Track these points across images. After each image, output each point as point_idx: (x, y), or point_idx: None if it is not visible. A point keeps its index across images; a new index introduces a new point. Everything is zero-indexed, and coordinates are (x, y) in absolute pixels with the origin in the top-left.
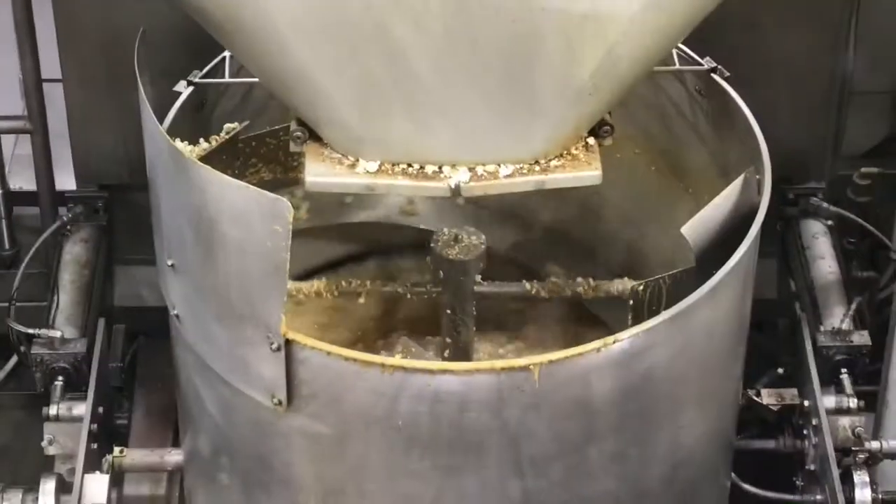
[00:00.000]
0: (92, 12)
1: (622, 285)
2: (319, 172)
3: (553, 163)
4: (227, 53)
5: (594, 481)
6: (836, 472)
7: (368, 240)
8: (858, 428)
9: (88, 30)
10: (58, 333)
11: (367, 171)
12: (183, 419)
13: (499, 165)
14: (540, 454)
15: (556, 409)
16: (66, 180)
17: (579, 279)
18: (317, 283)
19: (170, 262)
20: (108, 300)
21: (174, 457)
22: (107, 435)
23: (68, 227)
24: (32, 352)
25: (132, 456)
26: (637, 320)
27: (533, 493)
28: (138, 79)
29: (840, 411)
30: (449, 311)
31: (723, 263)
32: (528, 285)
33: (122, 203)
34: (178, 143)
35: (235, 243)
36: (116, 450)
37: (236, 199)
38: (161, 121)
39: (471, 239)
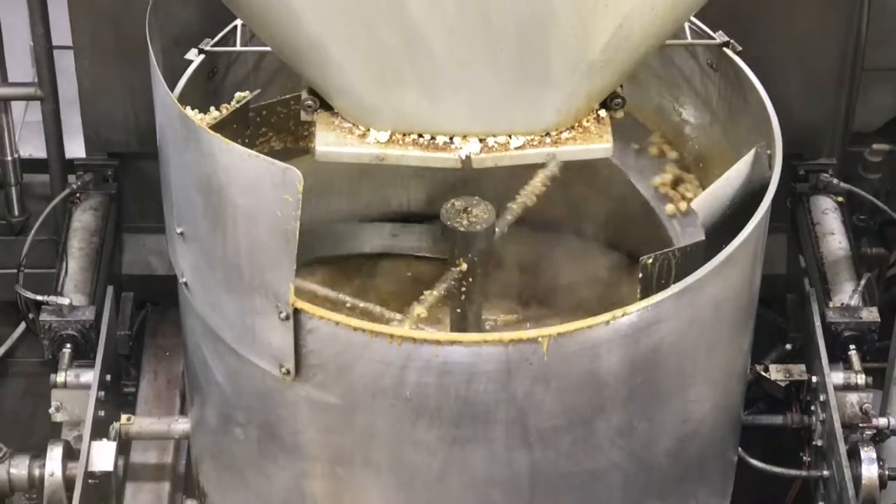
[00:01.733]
0: None
1: None
2: (330, 142)
3: (564, 135)
4: (238, 22)
5: (601, 454)
6: (843, 449)
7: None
8: (866, 404)
9: None
10: (66, 301)
11: (378, 141)
12: (191, 388)
13: (510, 137)
14: (547, 426)
15: (564, 382)
16: (75, 148)
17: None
18: None
19: (179, 231)
20: (116, 268)
21: (181, 425)
22: (114, 402)
23: (77, 194)
24: (41, 319)
25: (139, 424)
26: (646, 294)
27: (540, 465)
28: (149, 47)
29: (848, 387)
30: (458, 282)
31: (732, 238)
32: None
33: (132, 171)
34: (189, 112)
35: (245, 212)
36: (123, 417)
37: (247, 167)
38: (172, 89)
39: (480, 210)
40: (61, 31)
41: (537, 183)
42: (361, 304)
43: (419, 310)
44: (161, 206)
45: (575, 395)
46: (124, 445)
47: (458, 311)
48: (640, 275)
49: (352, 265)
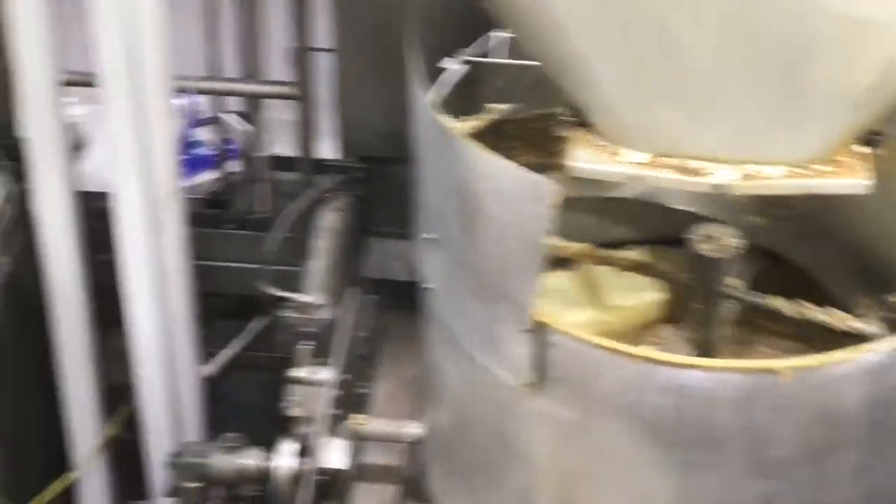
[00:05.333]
0: None
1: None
2: (583, 158)
3: (821, 168)
4: (497, 32)
5: (836, 489)
6: None
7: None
8: None
9: (363, 2)
10: (308, 299)
11: (632, 162)
12: (427, 392)
13: (764, 166)
14: (783, 458)
15: (803, 415)
16: (324, 148)
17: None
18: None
19: (429, 236)
20: (359, 270)
21: (413, 429)
22: (349, 402)
23: (326, 195)
24: (282, 315)
25: (372, 425)
26: (894, 331)
27: (773, 496)
28: (409, 53)
29: None
30: (698, 307)
31: None
32: (778, 303)
33: (381, 176)
34: (446, 119)
35: (497, 222)
36: (357, 417)
37: (501, 177)
38: (429, 96)
39: (728, 238)
40: (320, 32)
41: None
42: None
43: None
44: (406, 212)
45: (813, 429)
46: (356, 445)
47: (699, 334)
48: (889, 312)
49: None
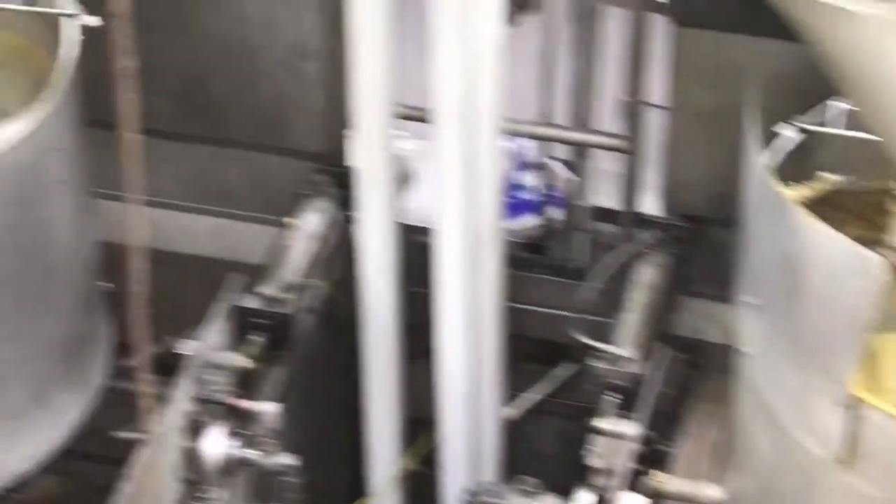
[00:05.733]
0: (708, 46)
1: None
2: None
3: None
4: (834, 101)
5: None
6: None
7: None
8: None
9: (703, 63)
10: (619, 351)
11: None
12: (731, 456)
13: None
14: None
15: None
16: (646, 203)
17: None
18: None
19: (750, 300)
20: (671, 328)
21: (713, 491)
22: (650, 458)
23: (645, 250)
24: (590, 364)
25: (672, 483)
26: None
27: None
28: (747, 116)
29: None
30: None
31: None
32: None
33: (701, 235)
34: (779, 186)
35: (822, 293)
36: (658, 475)
37: (831, 249)
38: (763, 160)
39: None
40: (654, 88)
41: None
42: None
43: None
44: (723, 274)
45: None
46: (655, 502)
47: None
48: None
49: None
